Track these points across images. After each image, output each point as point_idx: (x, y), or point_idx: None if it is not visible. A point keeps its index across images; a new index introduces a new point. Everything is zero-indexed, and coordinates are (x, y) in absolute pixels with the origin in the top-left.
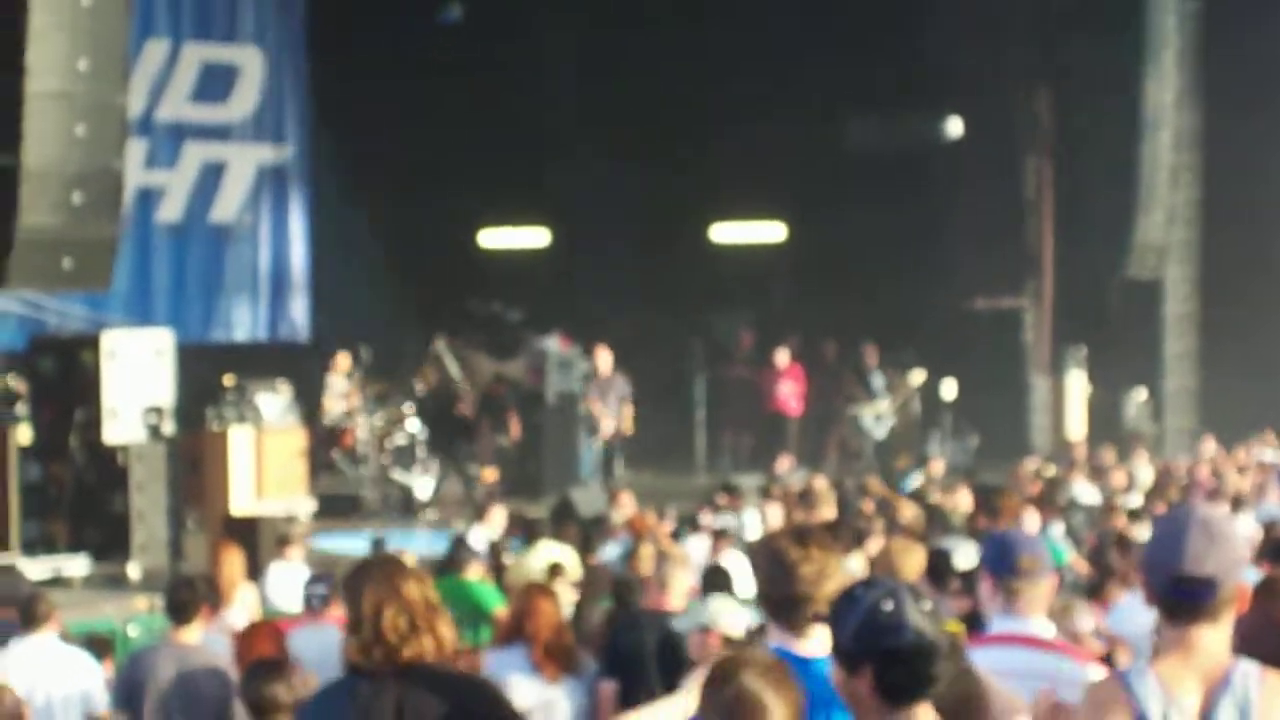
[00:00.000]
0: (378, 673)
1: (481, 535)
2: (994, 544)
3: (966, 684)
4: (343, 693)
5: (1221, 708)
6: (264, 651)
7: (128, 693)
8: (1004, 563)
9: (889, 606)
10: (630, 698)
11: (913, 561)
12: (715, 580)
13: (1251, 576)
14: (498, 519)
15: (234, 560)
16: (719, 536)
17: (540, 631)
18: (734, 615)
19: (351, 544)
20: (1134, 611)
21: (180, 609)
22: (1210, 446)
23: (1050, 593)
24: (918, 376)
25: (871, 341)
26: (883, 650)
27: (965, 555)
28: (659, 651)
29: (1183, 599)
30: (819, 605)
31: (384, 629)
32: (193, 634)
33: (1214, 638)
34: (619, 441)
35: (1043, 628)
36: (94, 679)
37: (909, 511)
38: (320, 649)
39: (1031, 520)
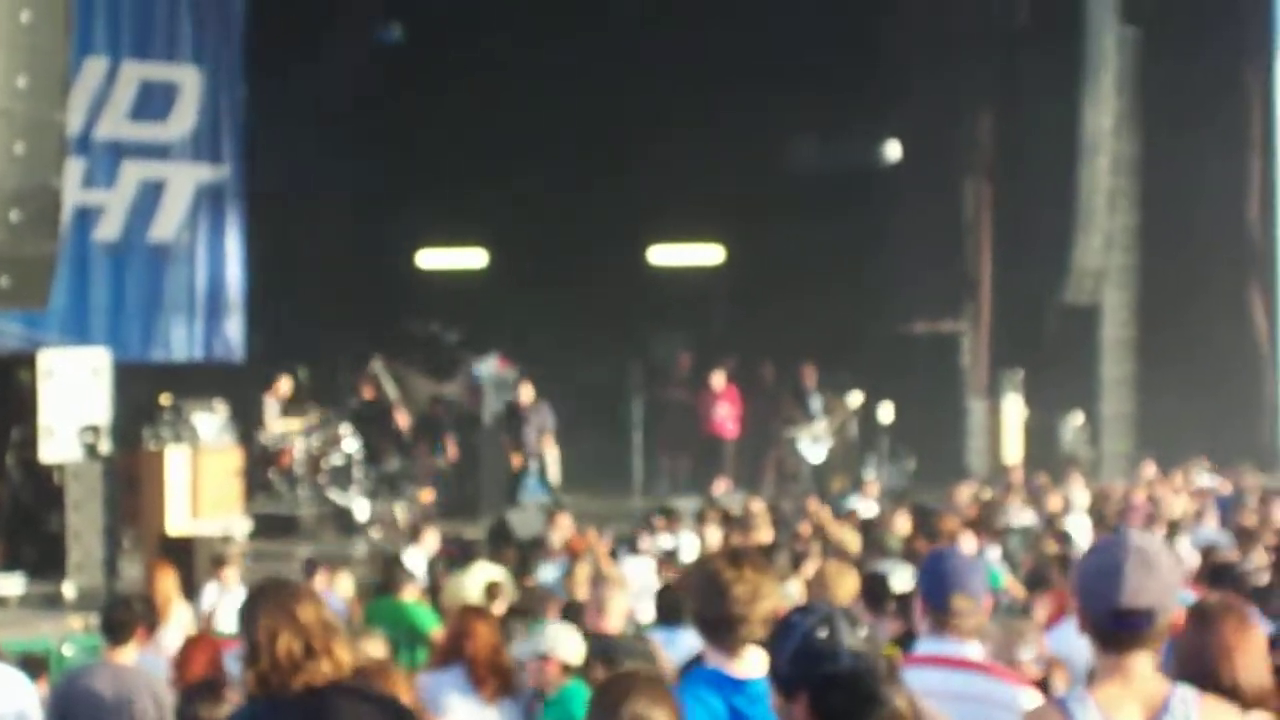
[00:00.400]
0: (277, 699)
1: (418, 555)
2: (932, 570)
3: (902, 712)
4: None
5: None
6: (201, 671)
7: (61, 713)
8: (939, 593)
9: (824, 633)
10: None
11: (847, 585)
12: (666, 602)
13: (1187, 599)
14: (431, 540)
15: (168, 580)
16: (664, 560)
17: (478, 652)
18: (572, 642)
19: (286, 566)
20: (1071, 635)
21: (116, 629)
22: (1149, 471)
23: (984, 616)
24: (855, 399)
25: (808, 363)
26: (818, 676)
27: (901, 578)
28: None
29: (1120, 630)
30: (753, 626)
31: (279, 655)
32: (128, 654)
33: (1149, 664)
34: (539, 468)
35: (973, 650)
36: (28, 699)
37: (848, 535)
38: None
39: (968, 544)
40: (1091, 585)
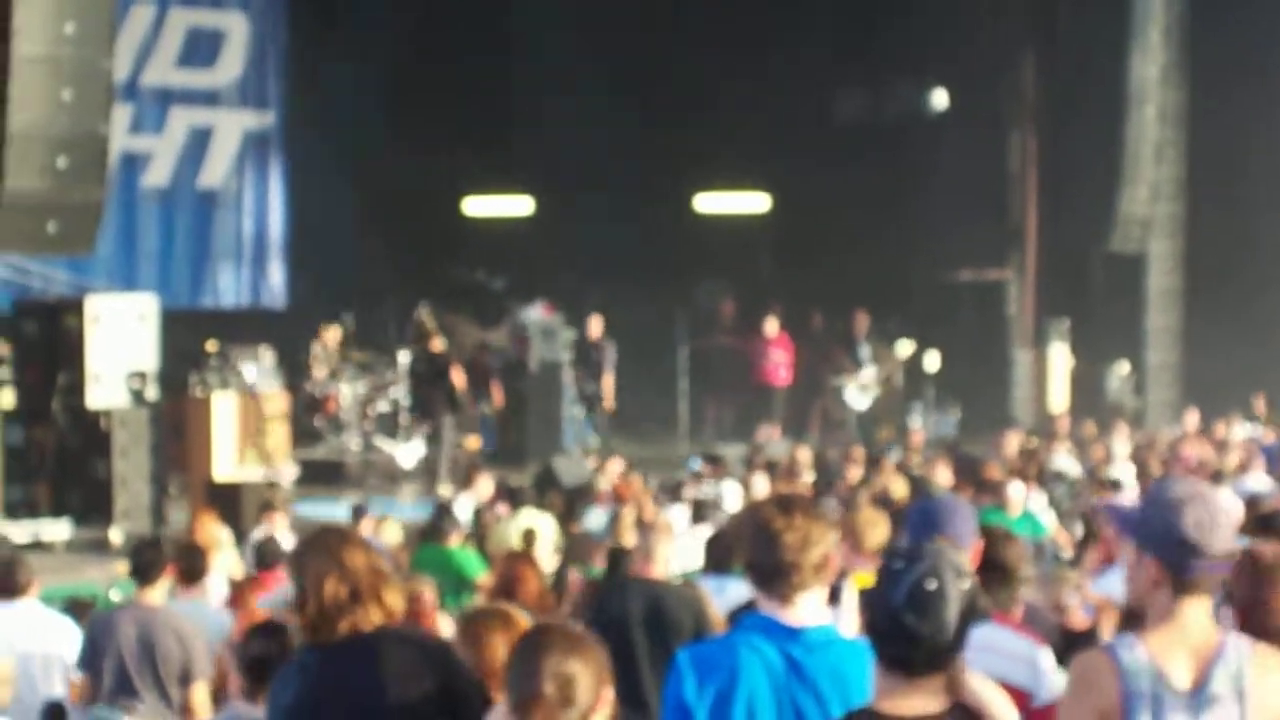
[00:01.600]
0: (327, 645)
1: (467, 502)
2: (915, 516)
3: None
4: (294, 669)
5: (1215, 681)
6: (256, 609)
7: (91, 655)
8: (921, 538)
9: (932, 585)
10: (617, 665)
11: (878, 533)
12: (716, 550)
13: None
14: (484, 486)
15: (212, 526)
16: (703, 508)
17: (527, 599)
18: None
19: (334, 511)
20: (1118, 581)
21: (143, 570)
22: (1193, 420)
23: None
24: (904, 348)
25: (856, 313)
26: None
27: None
28: (645, 618)
29: (1188, 574)
30: (805, 574)
31: (326, 601)
32: (157, 595)
33: (1203, 610)
34: (601, 410)
35: None
36: (75, 644)
37: (895, 482)
38: None
39: (1016, 490)
40: (1148, 527)
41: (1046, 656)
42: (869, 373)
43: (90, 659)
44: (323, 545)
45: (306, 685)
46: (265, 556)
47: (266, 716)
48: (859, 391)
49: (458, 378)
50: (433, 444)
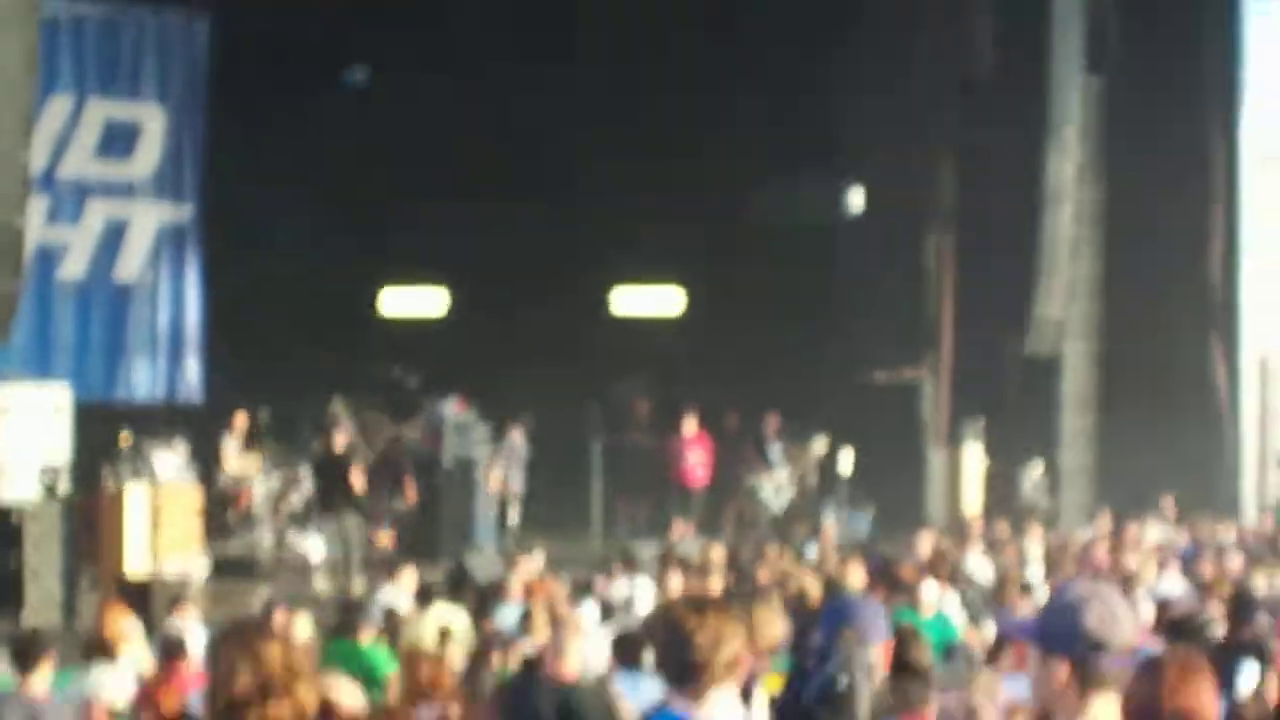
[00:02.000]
0: None
1: (391, 595)
2: (831, 612)
3: None
4: None
5: None
6: (163, 705)
7: None
8: (836, 633)
9: (842, 686)
10: None
11: (772, 630)
12: (626, 648)
13: (1147, 652)
14: (408, 579)
15: (121, 619)
16: (617, 607)
17: (441, 698)
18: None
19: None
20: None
21: (23, 658)
22: (1106, 523)
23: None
24: (818, 446)
25: (772, 411)
26: None
27: None
28: (557, 718)
29: (1092, 671)
30: (717, 671)
31: (236, 693)
32: (39, 683)
33: (1112, 708)
34: (500, 510)
35: None
36: None
37: (809, 581)
38: None
39: (930, 591)
40: (1055, 630)
41: None
42: (782, 472)
43: None
44: (237, 637)
45: None
46: (170, 649)
47: None
48: (774, 491)
49: (357, 478)
50: (335, 541)
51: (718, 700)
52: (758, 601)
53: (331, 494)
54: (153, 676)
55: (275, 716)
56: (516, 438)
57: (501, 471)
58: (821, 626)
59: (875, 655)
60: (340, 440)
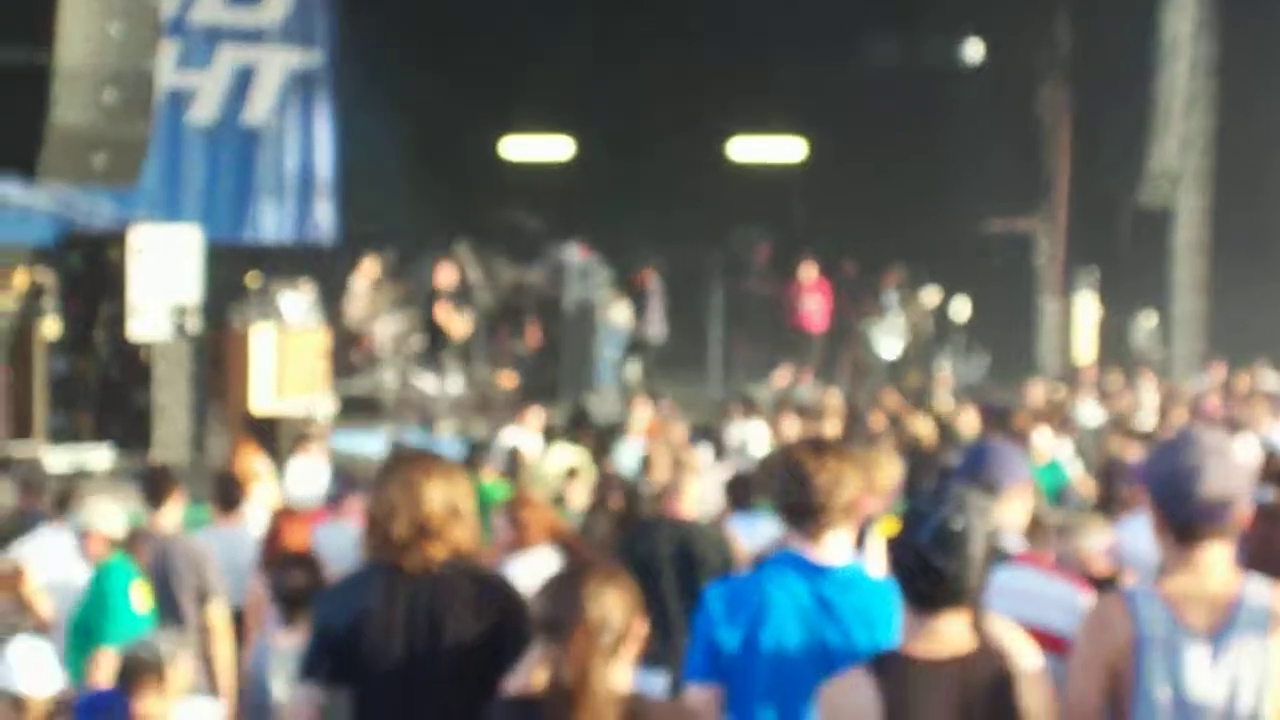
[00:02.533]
0: (392, 569)
1: (516, 435)
2: (966, 458)
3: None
4: (360, 585)
5: (1237, 625)
6: (291, 542)
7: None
8: (969, 478)
9: (959, 525)
10: (646, 603)
11: (885, 474)
12: (739, 489)
13: (1263, 496)
14: (533, 420)
15: (251, 457)
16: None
17: (561, 538)
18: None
19: (368, 444)
20: (1139, 530)
21: (153, 495)
22: (1219, 374)
23: (1023, 508)
24: (932, 296)
25: (889, 262)
26: (925, 564)
27: None
28: (674, 557)
29: (1196, 521)
30: (835, 513)
31: (392, 532)
32: (167, 520)
33: (1223, 557)
34: (627, 351)
35: (1013, 542)
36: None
37: (923, 426)
38: (339, 544)
39: (1043, 438)
40: (1168, 478)
41: (1085, 599)
42: (897, 320)
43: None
44: (401, 474)
45: (363, 607)
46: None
47: (313, 632)
48: (889, 338)
49: (449, 318)
50: (468, 379)
51: (835, 541)
52: (873, 445)
53: (436, 332)
54: (281, 512)
55: (430, 555)
56: (653, 282)
57: (649, 322)
58: (962, 466)
59: (1008, 498)
60: (446, 278)
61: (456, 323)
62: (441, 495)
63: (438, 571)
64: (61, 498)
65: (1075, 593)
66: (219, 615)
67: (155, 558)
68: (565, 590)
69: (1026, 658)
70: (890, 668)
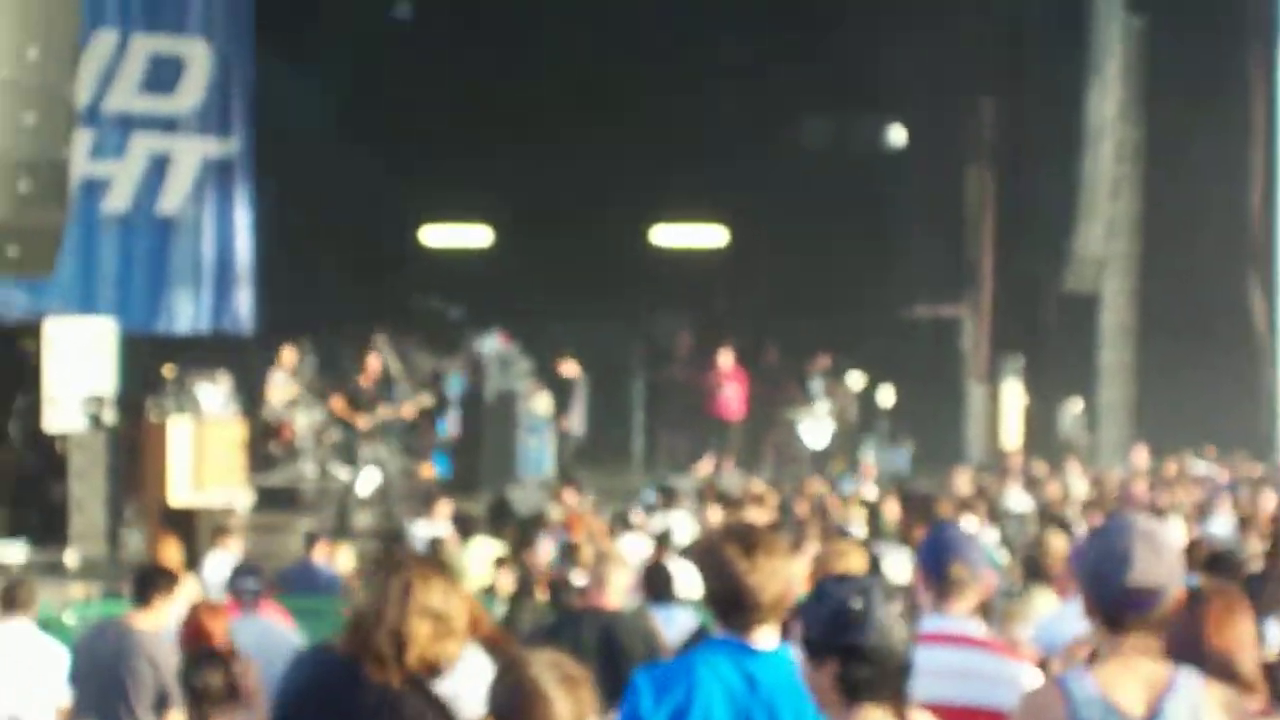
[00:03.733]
0: (352, 670)
1: (426, 528)
2: (932, 541)
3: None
4: (314, 674)
5: (1169, 713)
6: (211, 637)
7: (72, 674)
8: (937, 563)
9: (858, 604)
10: None
11: (852, 563)
12: (656, 581)
13: (1190, 582)
14: (443, 511)
15: (173, 550)
16: (660, 542)
17: (481, 634)
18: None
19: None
20: (1066, 619)
21: (142, 594)
22: (1141, 456)
23: (984, 593)
24: (856, 382)
25: (813, 348)
26: (846, 645)
27: (896, 561)
28: (599, 648)
29: (1127, 609)
30: (765, 610)
31: (372, 639)
32: (147, 620)
33: (1153, 646)
34: (566, 444)
35: (975, 628)
36: (61, 666)
37: (853, 514)
38: (256, 640)
39: (969, 525)
40: (1099, 565)
41: (1031, 676)
42: (822, 407)
43: (72, 677)
44: (398, 582)
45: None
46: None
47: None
48: (813, 425)
49: (408, 409)
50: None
51: (765, 635)
52: (800, 533)
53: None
54: (202, 606)
55: (396, 673)
56: (573, 372)
57: (571, 415)
58: (924, 552)
59: (978, 585)
60: (373, 371)
61: (357, 417)
62: (437, 606)
63: (394, 689)
64: (6, 594)
65: (1020, 670)
66: None
67: (116, 654)
68: (503, 680)
69: None
70: None
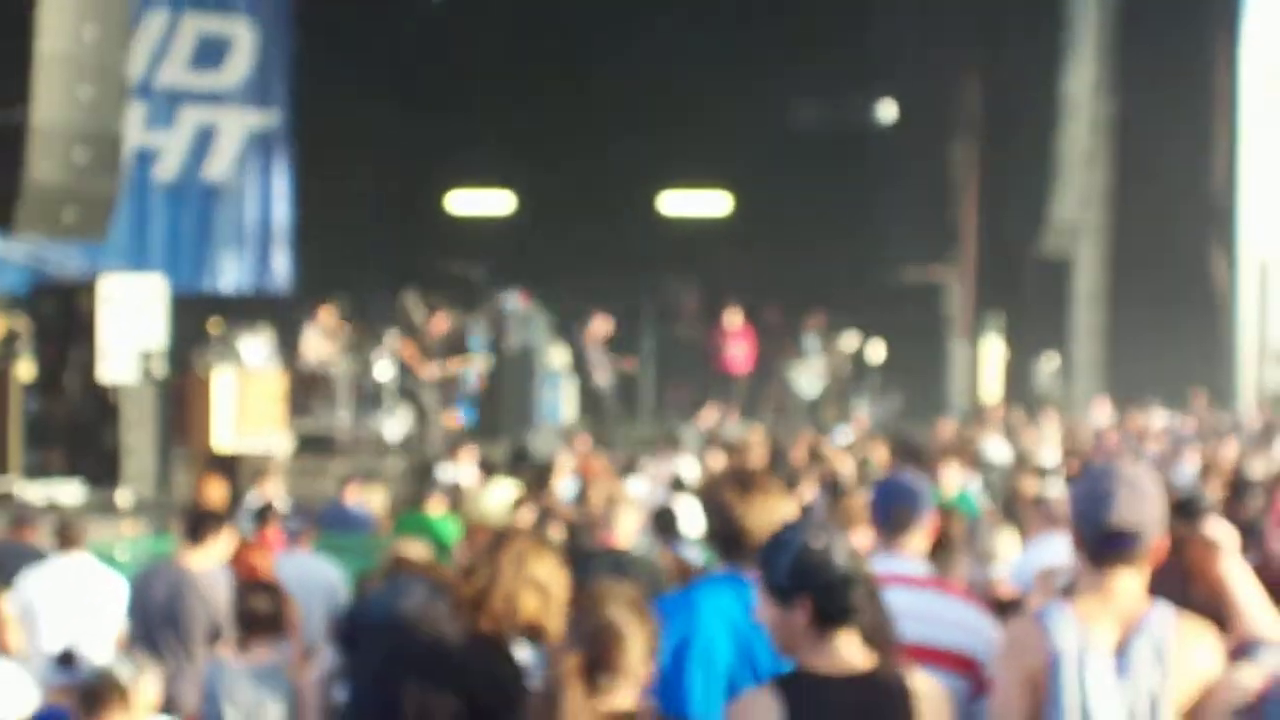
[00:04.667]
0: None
1: (451, 472)
2: (879, 488)
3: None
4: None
5: (1136, 646)
6: (256, 571)
7: (129, 608)
8: (885, 508)
9: (820, 543)
10: None
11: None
12: (664, 521)
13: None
14: (468, 456)
15: (217, 491)
16: (671, 486)
17: None
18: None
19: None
20: (1032, 559)
21: (193, 533)
22: (1103, 409)
23: (928, 535)
24: (850, 340)
25: (810, 308)
26: (820, 582)
27: None
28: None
29: (1110, 548)
30: (757, 542)
31: (485, 604)
32: (197, 559)
33: (1132, 583)
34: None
35: (919, 567)
36: (122, 600)
37: (843, 461)
38: (297, 574)
39: (952, 472)
40: (1083, 506)
41: (987, 621)
42: (816, 362)
43: (129, 613)
44: (514, 554)
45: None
46: (263, 519)
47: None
48: (808, 380)
49: (408, 353)
50: (415, 419)
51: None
52: (796, 479)
53: (400, 369)
54: (244, 542)
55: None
56: (607, 329)
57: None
58: (877, 499)
59: (919, 528)
60: (440, 327)
61: (423, 366)
62: (544, 578)
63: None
64: (63, 531)
65: (978, 615)
66: None
67: (176, 594)
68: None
69: (922, 677)
70: (792, 685)
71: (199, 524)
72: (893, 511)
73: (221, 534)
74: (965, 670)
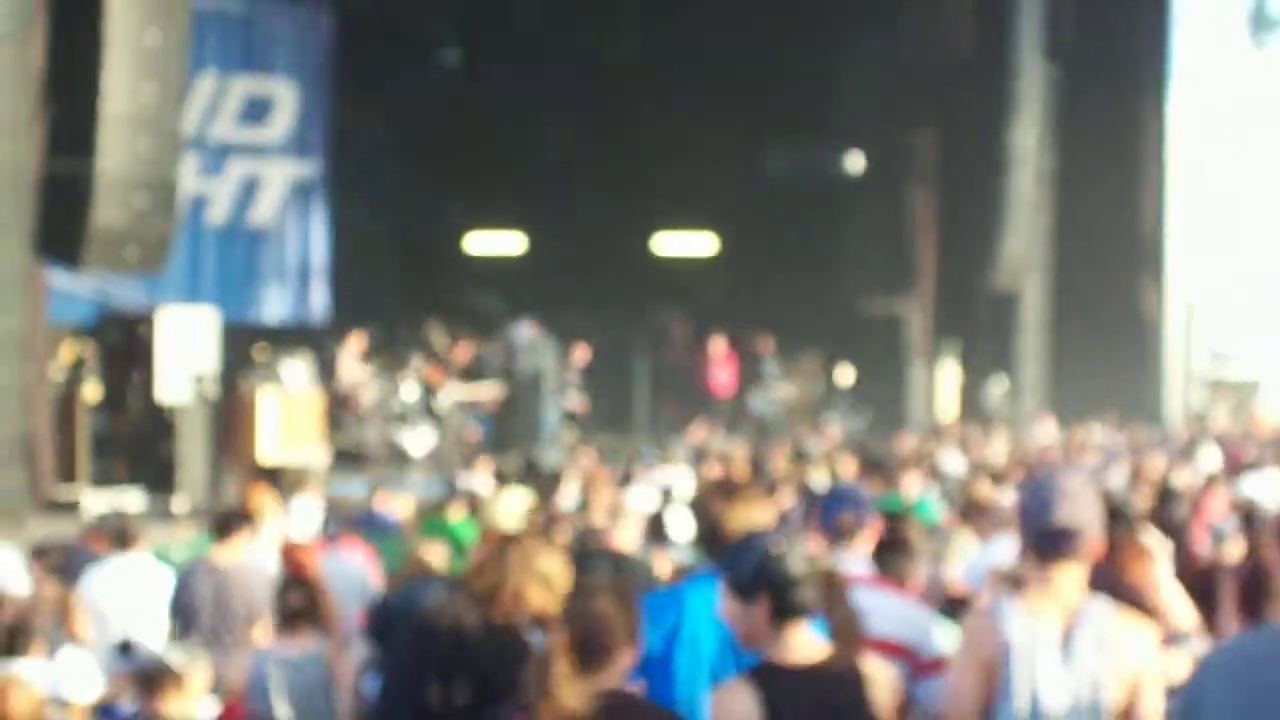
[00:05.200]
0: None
1: (469, 481)
2: (826, 497)
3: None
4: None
5: (1080, 636)
6: (301, 567)
7: (174, 604)
8: (829, 514)
9: (780, 546)
10: None
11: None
12: (656, 528)
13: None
14: (483, 467)
15: (262, 496)
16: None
17: None
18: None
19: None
20: (984, 559)
21: (221, 531)
22: (1047, 427)
23: (870, 539)
24: (811, 362)
25: (786, 336)
26: (778, 579)
27: None
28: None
29: (1053, 546)
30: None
31: (495, 597)
32: (229, 553)
33: (1074, 578)
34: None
35: (863, 567)
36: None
37: (818, 472)
38: (336, 572)
39: (912, 481)
40: (1029, 508)
41: (930, 617)
42: (777, 384)
43: (173, 607)
44: (520, 554)
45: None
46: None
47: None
48: (765, 402)
49: (433, 375)
50: (438, 435)
51: None
52: (775, 488)
53: (425, 390)
54: (295, 544)
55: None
56: (585, 356)
57: (577, 391)
58: (826, 505)
59: (865, 534)
60: (463, 356)
61: (444, 387)
62: (547, 572)
63: (514, 630)
64: (123, 533)
65: (916, 609)
66: (260, 633)
67: (215, 588)
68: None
69: (874, 662)
70: (765, 676)
71: (226, 523)
72: (839, 518)
73: (246, 533)
74: (904, 657)
